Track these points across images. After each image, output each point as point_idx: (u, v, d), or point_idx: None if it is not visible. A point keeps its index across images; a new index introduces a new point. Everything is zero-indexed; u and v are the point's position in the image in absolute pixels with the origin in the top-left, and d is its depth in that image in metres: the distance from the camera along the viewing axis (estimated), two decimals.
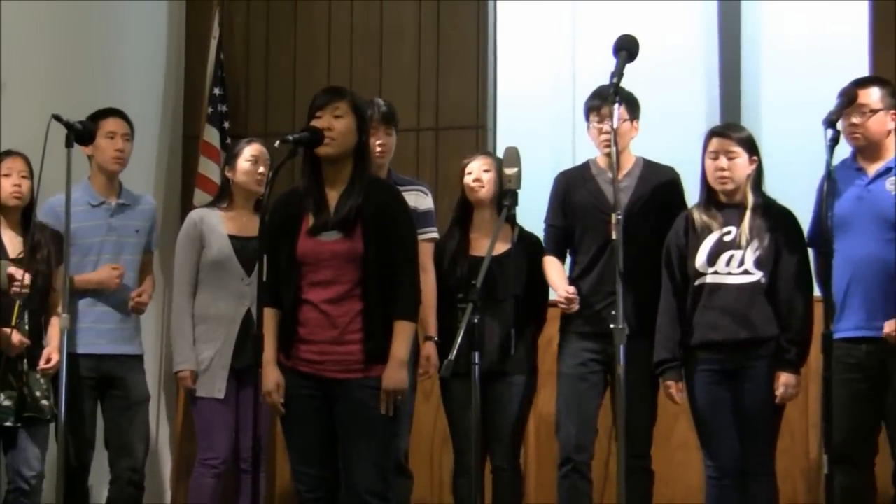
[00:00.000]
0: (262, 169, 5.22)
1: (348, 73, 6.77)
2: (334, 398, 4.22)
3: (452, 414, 5.07)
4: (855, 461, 4.50)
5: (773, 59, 6.33)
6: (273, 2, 7.03)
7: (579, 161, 5.31)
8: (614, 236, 4.19)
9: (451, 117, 6.70)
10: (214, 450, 5.14)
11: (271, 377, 4.23)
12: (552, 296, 5.10)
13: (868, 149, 4.65)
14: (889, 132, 4.66)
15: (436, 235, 5.16)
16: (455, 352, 4.14)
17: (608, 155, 4.92)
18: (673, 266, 4.77)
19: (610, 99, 4.30)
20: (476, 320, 4.23)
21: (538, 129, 6.54)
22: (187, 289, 5.21)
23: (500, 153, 5.18)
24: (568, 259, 5.08)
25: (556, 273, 4.97)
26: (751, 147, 4.74)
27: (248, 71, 7.02)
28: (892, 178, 4.59)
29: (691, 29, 6.48)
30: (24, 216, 5.09)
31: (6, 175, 5.03)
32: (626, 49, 4.28)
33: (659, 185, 4.95)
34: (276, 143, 4.25)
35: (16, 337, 4.89)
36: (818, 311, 4.46)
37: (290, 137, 4.19)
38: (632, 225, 4.64)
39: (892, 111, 4.65)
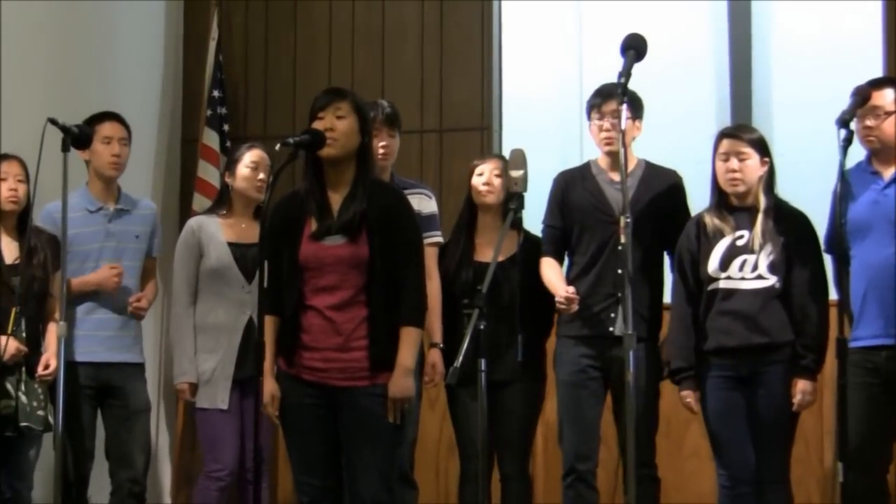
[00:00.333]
0: (262, 175, 5.20)
1: (349, 75, 6.77)
2: (338, 406, 4.21)
3: (458, 422, 5.06)
4: (870, 469, 4.49)
5: (784, 59, 6.33)
6: (272, 1, 7.03)
7: None
8: (623, 240, 4.19)
9: (455, 119, 6.70)
10: (220, 462, 5.12)
11: (268, 389, 4.23)
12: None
13: (883, 152, 4.63)
14: None
15: (440, 239, 5.16)
16: (461, 358, 4.14)
17: (608, 154, 4.93)
18: (686, 271, 4.76)
19: (618, 99, 4.30)
20: (482, 326, 4.23)
21: (544, 130, 6.54)
22: (186, 298, 5.20)
23: (505, 155, 5.17)
24: (566, 260, 5.07)
25: (554, 274, 4.94)
26: (762, 148, 4.74)
27: (247, 72, 7.03)
28: None
29: (701, 28, 6.47)
30: (20, 221, 5.09)
31: (2, 179, 5.03)
32: (634, 48, 4.29)
33: (660, 188, 4.93)
34: (277, 147, 4.25)
35: (12, 344, 4.88)
36: (833, 315, 4.46)
37: (291, 140, 4.18)
38: (633, 227, 4.64)
39: None
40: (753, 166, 4.71)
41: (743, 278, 4.66)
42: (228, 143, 6.67)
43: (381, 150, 4.94)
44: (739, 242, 4.68)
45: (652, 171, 4.99)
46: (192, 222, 5.34)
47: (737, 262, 4.67)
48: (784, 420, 4.63)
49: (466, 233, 5.16)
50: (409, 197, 4.56)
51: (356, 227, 4.21)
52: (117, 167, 5.34)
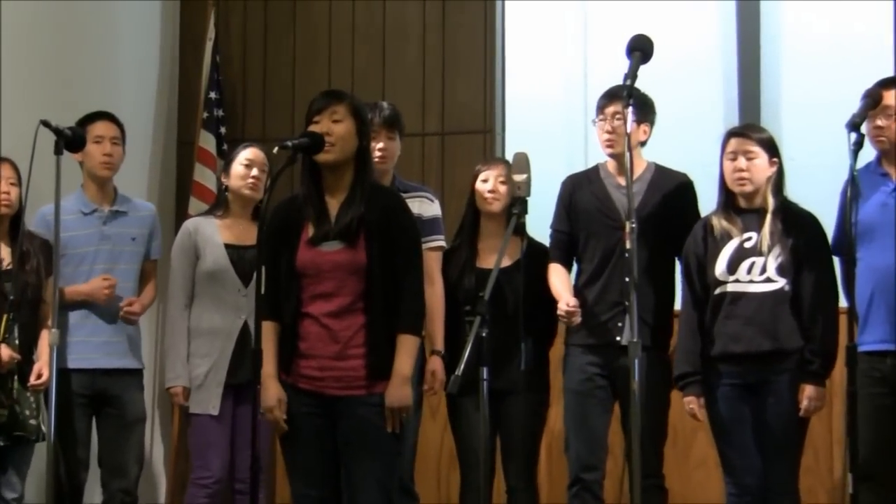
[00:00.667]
0: (255, 172, 5.16)
1: (350, 76, 6.77)
2: (336, 416, 4.19)
3: (460, 431, 5.05)
4: (881, 480, 4.47)
5: (793, 59, 6.32)
6: (271, 1, 7.03)
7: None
8: (628, 245, 4.18)
9: (457, 121, 6.70)
10: (208, 468, 5.11)
11: (272, 392, 4.19)
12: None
13: (893, 153, 4.63)
14: None
15: (443, 244, 5.12)
16: (462, 367, 4.13)
17: (613, 156, 4.92)
18: (692, 275, 4.75)
19: (624, 102, 4.29)
20: (484, 334, 4.22)
21: (548, 133, 6.53)
22: (181, 301, 5.19)
23: (508, 159, 5.17)
24: (575, 266, 5.06)
25: (560, 282, 4.94)
26: (771, 148, 4.72)
27: (245, 73, 7.03)
28: None
29: (709, 29, 6.47)
30: (12, 225, 5.08)
31: None
32: (641, 49, 4.28)
33: (670, 191, 4.92)
34: (275, 150, 4.24)
35: (5, 352, 4.88)
36: (843, 321, 4.45)
37: (290, 143, 4.16)
38: (640, 233, 4.63)
39: None
40: (762, 166, 4.69)
41: (751, 281, 4.64)
42: (225, 146, 6.67)
43: (378, 154, 4.91)
44: (747, 244, 4.67)
45: (662, 175, 4.97)
46: (189, 224, 5.33)
47: (745, 264, 4.65)
48: (793, 429, 4.61)
49: (469, 238, 5.15)
50: (408, 201, 4.54)
51: (354, 233, 4.19)
52: (109, 167, 5.31)
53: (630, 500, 4.12)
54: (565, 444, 4.96)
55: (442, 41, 6.75)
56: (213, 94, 6.80)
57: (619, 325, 4.80)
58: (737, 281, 4.66)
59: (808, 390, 4.57)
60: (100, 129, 5.29)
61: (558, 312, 4.79)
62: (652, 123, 4.98)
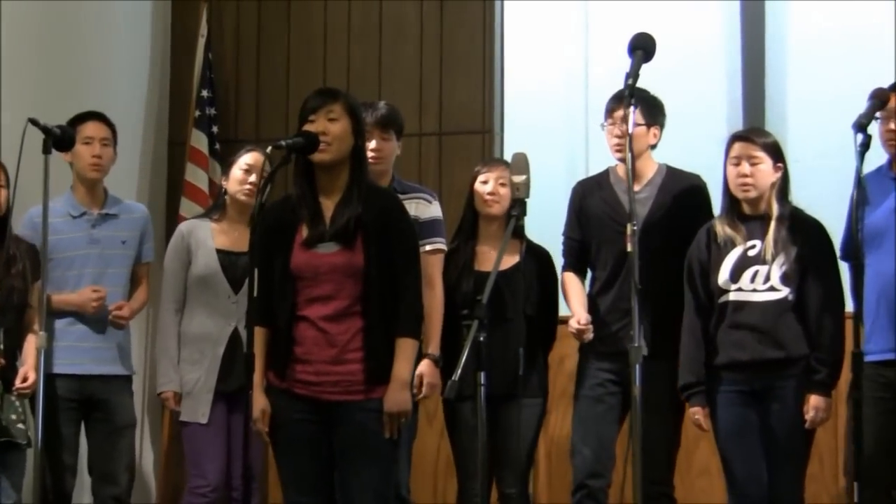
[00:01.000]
0: (253, 178, 5.12)
1: (345, 75, 6.76)
2: (333, 422, 4.17)
3: (457, 438, 5.03)
4: (887, 489, 4.46)
5: (798, 59, 6.32)
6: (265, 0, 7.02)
7: (592, 168, 5.30)
8: (629, 248, 4.16)
9: (455, 122, 6.69)
10: (204, 477, 5.08)
11: (258, 404, 4.18)
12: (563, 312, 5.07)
13: None
14: None
15: (443, 246, 5.07)
16: (460, 372, 4.11)
17: (622, 161, 4.90)
18: (695, 282, 4.73)
19: (625, 102, 4.27)
20: (482, 339, 4.20)
21: (548, 133, 6.52)
22: (173, 306, 5.16)
23: (507, 159, 5.15)
24: (589, 274, 5.05)
25: (576, 296, 4.94)
26: (776, 153, 4.70)
27: (238, 72, 7.01)
28: None
29: (712, 27, 6.46)
30: None
31: None
32: (643, 48, 4.26)
33: (681, 193, 4.90)
34: (269, 149, 4.22)
35: None
36: (850, 328, 4.43)
37: (284, 143, 4.14)
38: (651, 237, 4.61)
39: None
40: (766, 171, 4.67)
41: (755, 290, 4.62)
42: (217, 146, 6.65)
43: (371, 154, 4.85)
44: (751, 252, 4.65)
45: (673, 177, 4.95)
46: (183, 227, 5.30)
47: (748, 273, 4.63)
48: (799, 437, 4.59)
49: (467, 241, 5.13)
50: (405, 203, 4.52)
51: (351, 234, 4.17)
52: (98, 169, 5.28)
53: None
54: (571, 449, 4.95)
55: (440, 40, 6.74)
56: (205, 93, 6.78)
57: (632, 333, 4.78)
58: (740, 290, 4.64)
59: (814, 400, 4.55)
60: (90, 129, 5.26)
61: (569, 330, 4.80)
62: (662, 126, 4.96)
